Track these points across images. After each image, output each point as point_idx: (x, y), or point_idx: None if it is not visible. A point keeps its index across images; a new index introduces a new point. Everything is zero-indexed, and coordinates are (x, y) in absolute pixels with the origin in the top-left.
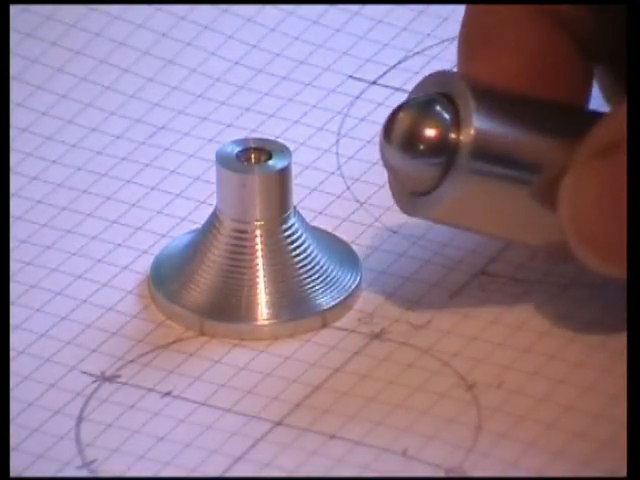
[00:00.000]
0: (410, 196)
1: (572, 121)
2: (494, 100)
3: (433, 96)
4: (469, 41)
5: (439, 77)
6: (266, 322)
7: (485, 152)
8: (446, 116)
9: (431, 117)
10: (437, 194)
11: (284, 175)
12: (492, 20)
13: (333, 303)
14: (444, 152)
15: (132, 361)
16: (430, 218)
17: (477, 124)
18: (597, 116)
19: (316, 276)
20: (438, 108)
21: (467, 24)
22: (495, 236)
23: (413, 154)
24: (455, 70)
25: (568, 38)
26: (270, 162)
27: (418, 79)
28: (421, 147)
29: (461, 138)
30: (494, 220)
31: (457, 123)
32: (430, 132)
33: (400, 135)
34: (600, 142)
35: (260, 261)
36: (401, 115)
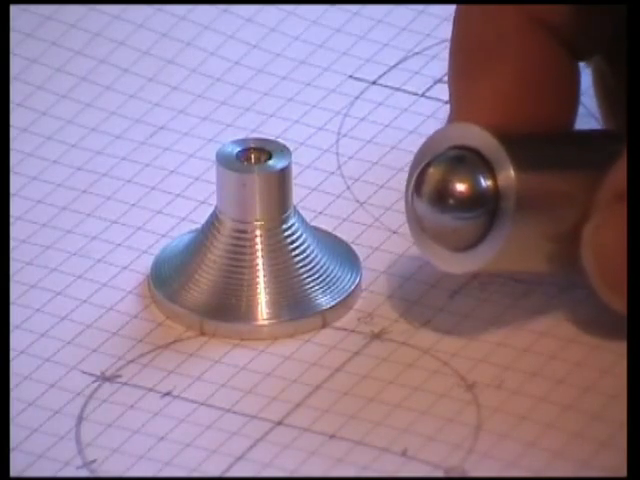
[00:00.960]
0: (447, 252)
1: (595, 151)
2: (520, 146)
3: (463, 151)
4: (468, 58)
5: (456, 130)
6: (266, 322)
7: (526, 197)
8: (477, 171)
9: (462, 171)
10: (485, 246)
11: (284, 175)
12: (490, 35)
13: (333, 303)
14: (476, 206)
15: (132, 361)
16: (477, 269)
17: (516, 172)
18: (613, 141)
19: (316, 276)
20: (468, 162)
21: (463, 40)
22: (540, 273)
23: (443, 208)
24: (469, 123)
25: (561, 46)
26: (270, 162)
27: (418, 79)
28: (451, 201)
29: (502, 189)
30: (537, 258)
31: (492, 176)
32: (461, 186)
33: (430, 189)
34: (617, 186)
35: (260, 261)
36: (431, 170)
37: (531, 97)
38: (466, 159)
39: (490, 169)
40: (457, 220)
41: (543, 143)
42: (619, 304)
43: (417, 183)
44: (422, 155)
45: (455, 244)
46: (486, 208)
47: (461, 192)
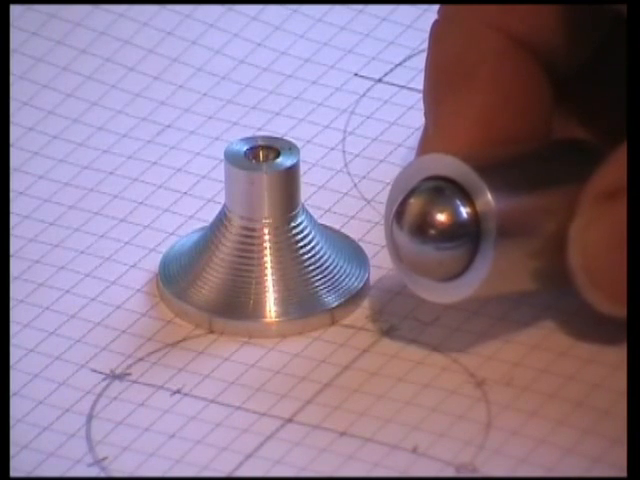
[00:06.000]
0: (434, 283)
1: (566, 164)
2: (494, 170)
3: (440, 182)
4: (446, 76)
5: (430, 161)
6: (274, 320)
7: (506, 219)
8: (456, 200)
9: (441, 202)
10: (471, 273)
11: (292, 173)
12: (469, 55)
13: (341, 300)
14: (458, 235)
15: (141, 359)
16: (465, 297)
17: (494, 196)
18: (586, 150)
19: (324, 274)
20: (447, 192)
21: (441, 59)
22: (528, 292)
23: (425, 239)
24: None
25: (539, 66)
26: (278, 160)
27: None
28: (432, 232)
29: (481, 215)
30: (523, 278)
31: (471, 204)
32: (441, 217)
33: (411, 220)
34: (606, 185)
35: (268, 259)
36: (412, 201)
37: (507, 115)
38: (445, 189)
39: (468, 197)
40: (440, 250)
41: (516, 164)
42: (605, 304)
43: (398, 216)
44: (398, 187)
45: (440, 275)
46: (468, 237)
47: (442, 222)
